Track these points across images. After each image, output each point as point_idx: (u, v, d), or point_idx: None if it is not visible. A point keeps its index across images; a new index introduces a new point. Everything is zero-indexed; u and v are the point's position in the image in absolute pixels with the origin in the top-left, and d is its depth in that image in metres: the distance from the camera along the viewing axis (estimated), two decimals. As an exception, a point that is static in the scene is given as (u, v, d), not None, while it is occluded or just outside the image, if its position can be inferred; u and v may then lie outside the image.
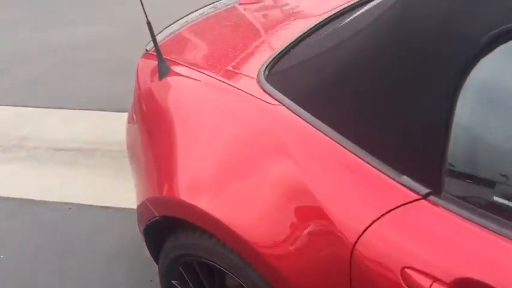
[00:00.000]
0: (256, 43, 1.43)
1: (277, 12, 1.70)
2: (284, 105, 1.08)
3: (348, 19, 1.20)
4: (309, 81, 1.10)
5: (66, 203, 2.39)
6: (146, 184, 1.37)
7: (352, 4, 1.48)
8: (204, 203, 1.11)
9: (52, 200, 2.43)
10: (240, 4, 1.90)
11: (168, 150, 1.27)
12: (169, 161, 1.25)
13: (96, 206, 2.34)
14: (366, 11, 1.15)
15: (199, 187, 1.15)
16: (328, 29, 1.30)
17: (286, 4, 1.83)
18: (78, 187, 2.52)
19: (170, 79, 1.40)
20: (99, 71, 3.84)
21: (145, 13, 1.40)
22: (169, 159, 1.25)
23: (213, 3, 1.97)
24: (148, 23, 1.40)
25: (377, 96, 0.94)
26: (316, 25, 1.39)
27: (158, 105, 1.40)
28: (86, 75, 3.83)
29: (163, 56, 1.41)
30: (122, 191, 2.40)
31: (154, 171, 1.32)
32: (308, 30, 1.37)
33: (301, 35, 1.35)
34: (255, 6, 1.82)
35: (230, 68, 1.31)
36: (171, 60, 1.44)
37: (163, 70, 1.43)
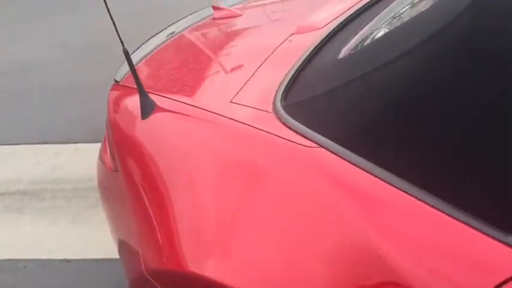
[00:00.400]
0: (253, 65, 1.21)
1: (263, 28, 1.49)
2: (324, 147, 0.88)
3: (380, 34, 1.01)
4: (350, 114, 0.90)
5: (19, 260, 2.04)
6: (139, 249, 1.11)
7: (352, 15, 1.31)
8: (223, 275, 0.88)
9: (1, 257, 2.07)
10: (214, 19, 1.68)
11: (168, 208, 1.02)
12: (170, 223, 1.01)
13: (56, 260, 2.02)
14: (407, 23, 0.96)
15: (221, 257, 0.92)
16: (343, 46, 1.11)
17: (268, 17, 1.63)
18: (30, 238, 2.18)
19: (157, 118, 1.16)
20: (36, 99, 3.46)
21: (121, 40, 1.15)
22: (171, 219, 1.01)
23: (181, 18, 1.73)
24: (126, 52, 1.15)
25: (458, 134, 0.76)
26: (322, 41, 1.20)
27: (146, 152, 1.15)
28: (20, 104, 3.44)
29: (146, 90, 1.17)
30: (84, 239, 2.10)
31: (150, 235, 1.07)
32: (315, 48, 1.18)
33: (309, 54, 1.15)
34: (235, 21, 1.60)
35: (235, 100, 1.08)
36: (154, 94, 1.20)
37: (146, 107, 1.18)
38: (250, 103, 1.06)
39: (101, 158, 1.40)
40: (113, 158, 1.26)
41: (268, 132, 0.95)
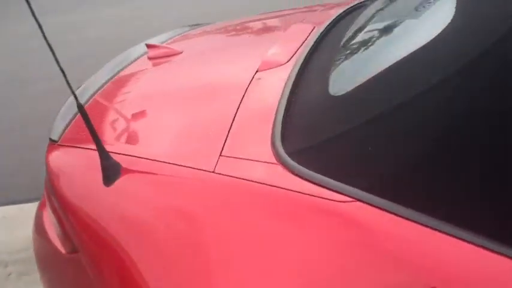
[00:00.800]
0: (227, 109, 1.06)
1: (216, 66, 1.35)
2: (361, 201, 0.76)
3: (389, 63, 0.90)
4: (373, 157, 0.80)
5: None
6: None
7: (315, 45, 1.23)
8: None
9: None
10: (151, 59, 1.50)
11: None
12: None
13: None
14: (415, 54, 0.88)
15: None
16: (326, 80, 1.02)
17: (213, 52, 1.49)
18: None
19: (124, 184, 0.96)
20: None
21: (75, 97, 0.94)
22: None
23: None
24: (81, 106, 0.94)
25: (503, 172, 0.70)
26: (297, 76, 1.10)
27: (119, 228, 0.93)
28: None
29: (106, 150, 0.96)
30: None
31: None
32: (295, 84, 1.07)
33: (291, 92, 1.04)
34: (178, 59, 1.44)
35: (225, 153, 0.93)
36: (116, 154, 1.00)
37: (110, 171, 0.97)
38: (247, 155, 0.92)
39: (43, 234, 1.14)
40: (67, 238, 1.02)
41: (286, 189, 0.82)
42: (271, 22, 1.74)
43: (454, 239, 0.70)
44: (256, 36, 1.59)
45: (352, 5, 1.53)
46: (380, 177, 0.78)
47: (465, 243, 0.69)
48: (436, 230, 0.71)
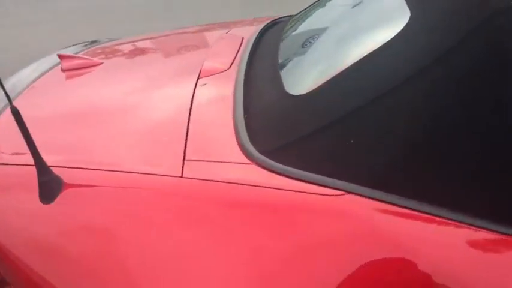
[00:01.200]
0: (180, 115, 0.99)
1: (148, 75, 1.25)
2: (351, 193, 0.74)
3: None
4: (374, 153, 0.78)
5: None
6: None
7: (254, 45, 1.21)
8: None
9: None
10: (63, 71, 1.35)
11: None
12: None
13: None
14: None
15: None
16: (280, 78, 1.00)
17: (138, 61, 1.39)
18: None
19: (68, 200, 0.83)
20: None
21: (8, 97, 0.79)
22: None
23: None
24: (15, 111, 0.79)
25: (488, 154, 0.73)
26: (245, 78, 1.07)
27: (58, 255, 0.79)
28: None
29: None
30: None
31: None
32: (246, 85, 1.04)
33: (245, 92, 1.00)
34: (98, 69, 1.31)
35: (189, 158, 0.85)
36: (54, 167, 0.86)
37: (49, 187, 0.83)
38: (214, 158, 0.85)
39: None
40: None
41: (277, 189, 0.77)
42: (189, 36, 1.69)
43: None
44: (183, 48, 1.52)
45: (271, 20, 1.56)
46: (364, 168, 0.77)
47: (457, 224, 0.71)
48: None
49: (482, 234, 0.71)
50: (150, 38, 1.63)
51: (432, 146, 0.74)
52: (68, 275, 0.78)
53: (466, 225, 0.71)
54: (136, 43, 1.58)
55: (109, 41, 1.65)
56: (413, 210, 0.72)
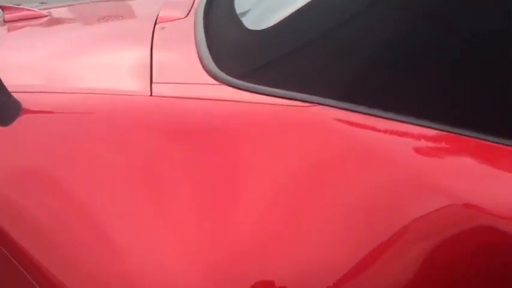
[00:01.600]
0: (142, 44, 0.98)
1: (103, 23, 1.22)
2: (321, 104, 0.77)
3: None
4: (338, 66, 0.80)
5: None
6: None
7: None
8: None
9: None
10: (8, 22, 1.29)
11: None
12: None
13: None
14: None
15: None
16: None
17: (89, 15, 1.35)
18: None
19: (27, 124, 0.79)
20: None
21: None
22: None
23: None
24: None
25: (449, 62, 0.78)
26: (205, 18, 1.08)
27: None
28: None
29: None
30: None
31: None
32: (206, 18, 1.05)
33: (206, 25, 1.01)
34: (46, 19, 1.26)
35: (156, 81, 0.84)
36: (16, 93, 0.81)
37: (7, 109, 0.79)
38: (181, 80, 0.85)
39: None
40: None
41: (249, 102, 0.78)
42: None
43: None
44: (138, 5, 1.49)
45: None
46: (334, 82, 0.80)
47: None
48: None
49: (442, 136, 0.76)
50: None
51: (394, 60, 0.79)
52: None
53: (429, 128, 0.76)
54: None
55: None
56: (380, 117, 0.76)
